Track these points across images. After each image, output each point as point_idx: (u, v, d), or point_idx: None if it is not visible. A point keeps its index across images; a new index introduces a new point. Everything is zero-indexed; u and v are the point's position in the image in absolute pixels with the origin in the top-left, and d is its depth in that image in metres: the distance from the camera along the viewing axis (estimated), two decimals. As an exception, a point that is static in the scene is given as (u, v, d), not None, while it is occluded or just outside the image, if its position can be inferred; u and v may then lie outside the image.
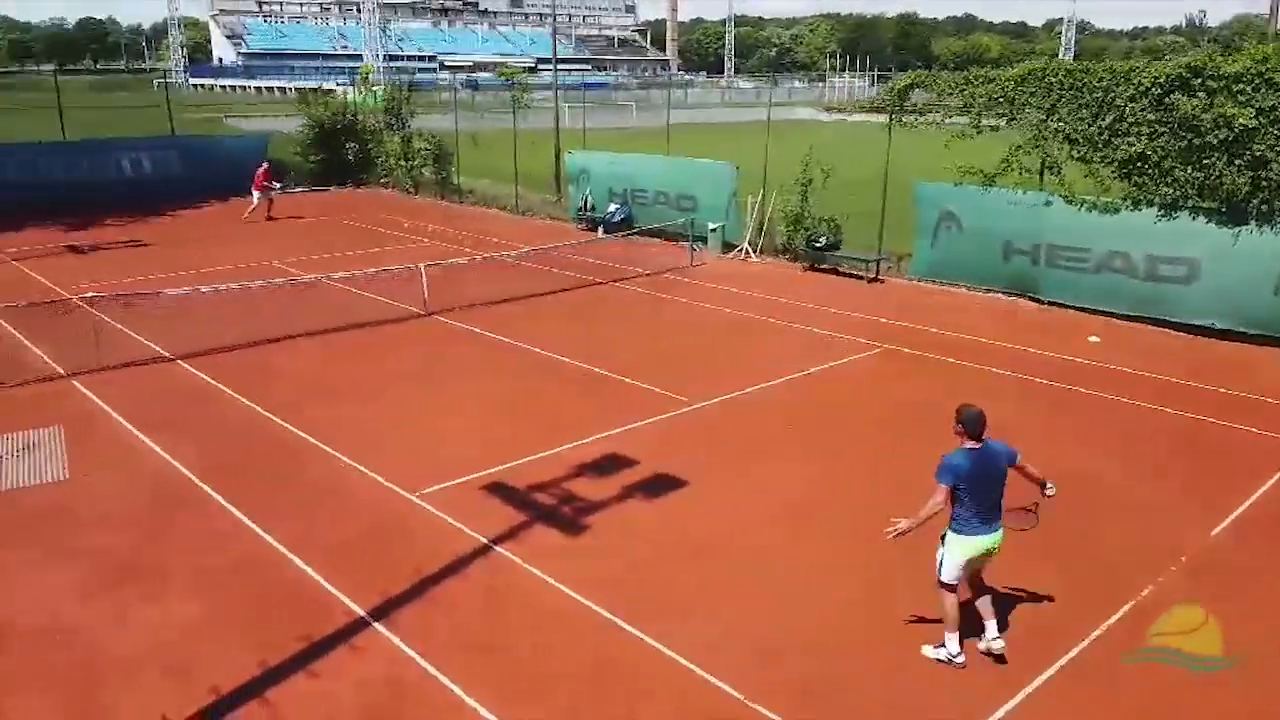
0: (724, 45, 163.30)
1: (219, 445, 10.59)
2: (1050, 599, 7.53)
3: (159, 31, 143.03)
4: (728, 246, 21.75)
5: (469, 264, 18.77)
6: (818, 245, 19.89)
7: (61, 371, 12.95)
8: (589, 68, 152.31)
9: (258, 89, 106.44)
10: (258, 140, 31.34)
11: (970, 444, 6.56)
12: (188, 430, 10.98)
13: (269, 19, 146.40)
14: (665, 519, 9.01)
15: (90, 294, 14.74)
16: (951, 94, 17.40)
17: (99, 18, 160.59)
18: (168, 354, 13.76)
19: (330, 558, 8.19)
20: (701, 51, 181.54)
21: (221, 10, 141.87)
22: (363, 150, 32.07)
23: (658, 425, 11.34)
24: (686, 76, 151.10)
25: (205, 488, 9.51)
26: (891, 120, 18.67)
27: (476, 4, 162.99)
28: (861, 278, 19.15)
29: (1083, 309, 16.02)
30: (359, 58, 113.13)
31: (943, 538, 6.72)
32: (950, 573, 6.65)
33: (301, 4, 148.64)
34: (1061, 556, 8.13)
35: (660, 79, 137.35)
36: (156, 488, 9.52)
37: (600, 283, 18.79)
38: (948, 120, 17.68)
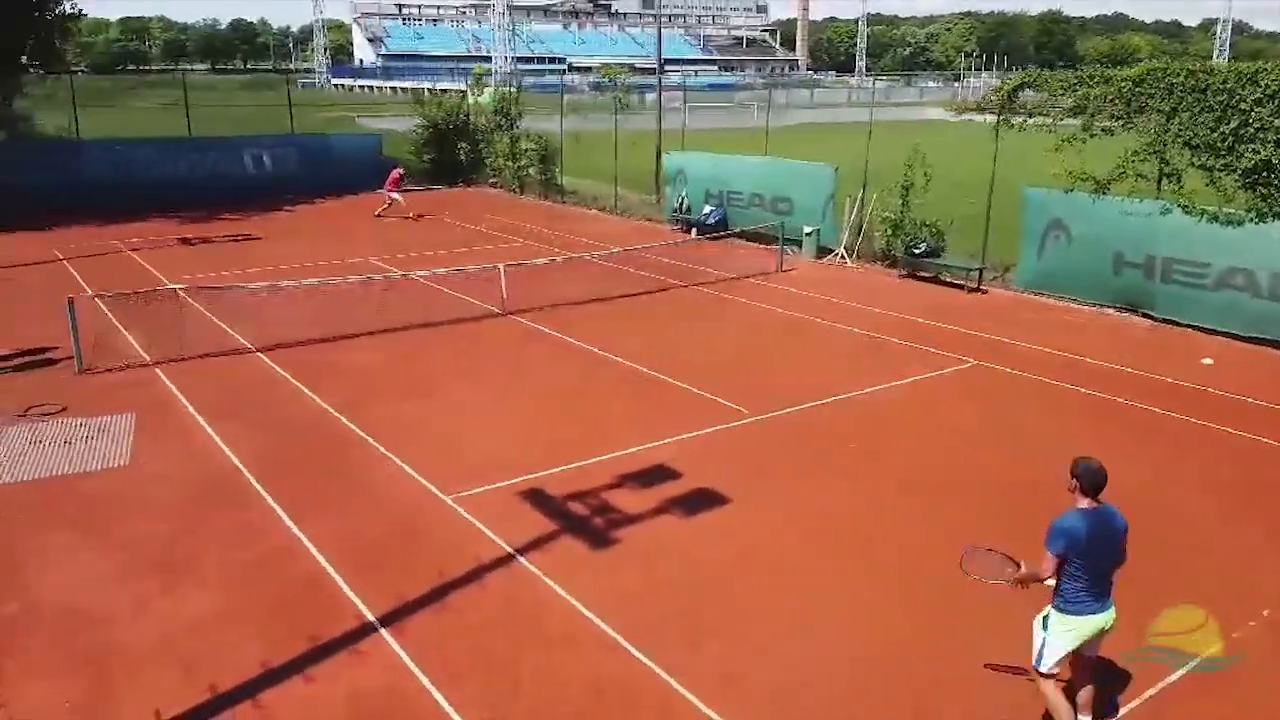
0: (855, 44, 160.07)
1: (276, 439, 10.74)
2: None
3: (307, 34, 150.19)
4: (824, 251, 21.03)
5: (553, 264, 18.71)
6: (916, 252, 19.00)
7: (147, 359, 13.46)
8: (715, 68, 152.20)
9: (392, 89, 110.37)
10: (371, 139, 32.33)
11: (1086, 503, 5.57)
12: (250, 422, 11.19)
13: (407, 22, 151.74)
14: (699, 538, 8.60)
15: (182, 286, 15.31)
16: (1064, 94, 16.27)
17: (250, 19, 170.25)
18: (250, 346, 14.14)
19: (354, 557, 8.13)
20: (832, 51, 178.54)
21: (363, 13, 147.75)
22: (473, 150, 32.58)
23: (711, 436, 10.92)
24: (815, 76, 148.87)
25: (252, 480, 9.63)
26: (1000, 121, 17.61)
27: (608, 6, 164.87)
28: (962, 287, 18.16)
29: (1199, 328, 14.73)
30: (491, 59, 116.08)
31: (1044, 619, 5.74)
32: (1052, 660, 5.68)
33: (439, 7, 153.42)
34: (1136, 602, 7.34)
35: (785, 79, 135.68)
36: (207, 479, 9.70)
37: (681, 286, 18.43)
38: (1060, 122, 16.54)
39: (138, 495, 9.32)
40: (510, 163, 30.98)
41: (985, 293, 17.98)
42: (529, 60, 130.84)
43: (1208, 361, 13.50)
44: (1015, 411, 11.80)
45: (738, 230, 22.46)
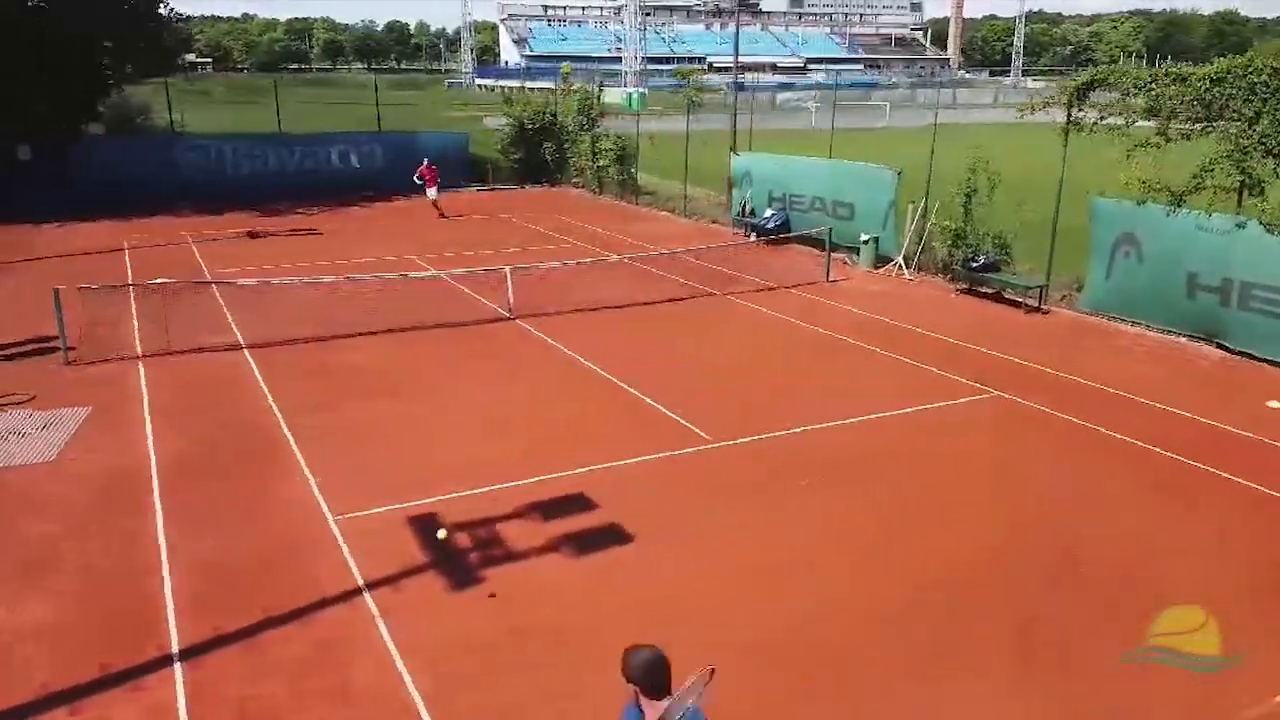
0: (1012, 43, 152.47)
1: (205, 443, 10.44)
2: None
3: (459, 35, 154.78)
4: (883, 261, 19.52)
5: (581, 267, 18.00)
6: (974, 265, 17.31)
7: (137, 352, 13.52)
8: (860, 67, 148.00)
9: (531, 89, 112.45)
10: (458, 137, 32.46)
11: (648, 703, 4.00)
12: (190, 424, 10.96)
13: (552, 23, 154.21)
14: (581, 581, 7.71)
15: (169, 280, 15.41)
16: (1137, 94, 14.34)
17: (406, 21, 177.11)
18: (241, 342, 14.03)
19: (200, 580, 7.64)
20: (987, 50, 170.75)
21: (510, 15, 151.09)
22: (558, 150, 32.26)
23: (655, 463, 9.96)
24: (967, 75, 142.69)
25: (156, 487, 9.32)
26: (1069, 124, 15.75)
27: (756, 5, 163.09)
28: (1021, 306, 16.39)
29: (1276, 364, 12.65)
30: (651, 59, 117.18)
31: None
32: None
33: (583, 8, 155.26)
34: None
35: (933, 78, 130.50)
36: (116, 481, 9.44)
37: (713, 294, 17.37)
38: (1135, 124, 14.61)
39: (43, 494, 9.16)
40: (591, 163, 30.48)
41: (1047, 313, 16.15)
42: (669, 60, 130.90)
43: (1275, 405, 11.52)
44: (1021, 456, 10.28)
45: (798, 235, 21.15)
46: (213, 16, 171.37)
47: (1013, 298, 16.75)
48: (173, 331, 14.10)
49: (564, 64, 40.14)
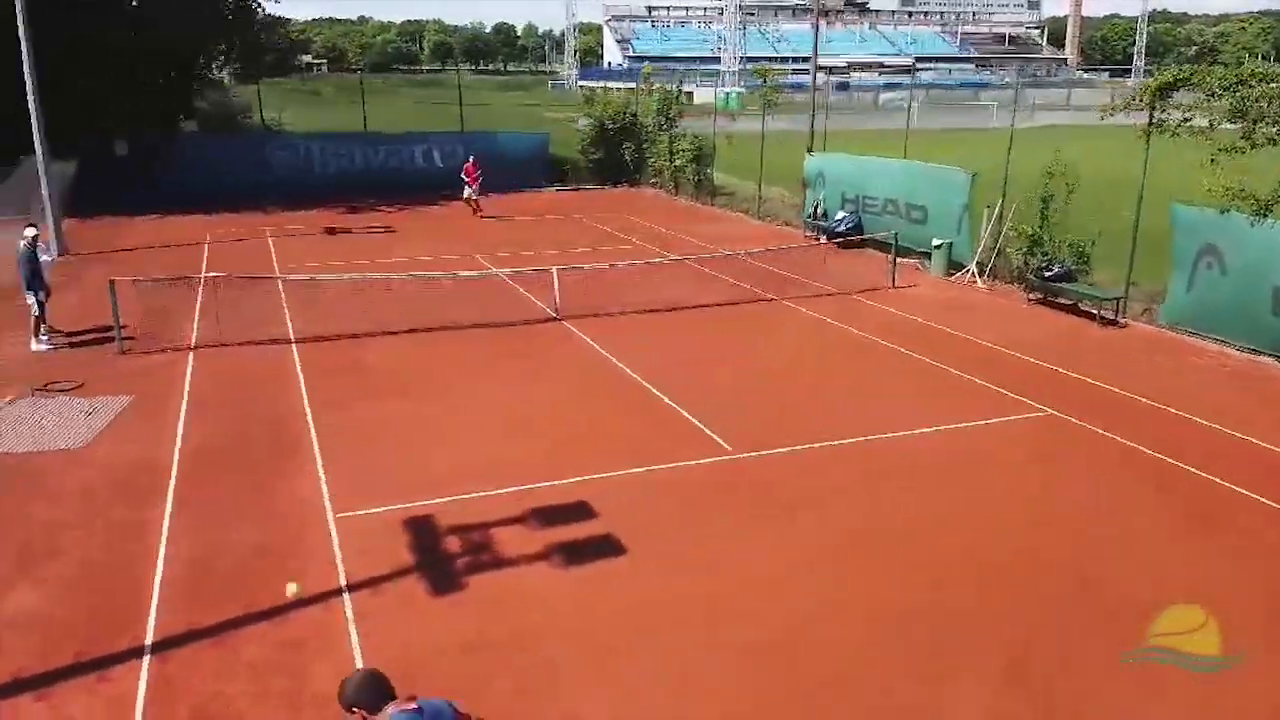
0: (1134, 42, 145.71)
1: (230, 434, 10.63)
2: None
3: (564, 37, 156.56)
4: (957, 267, 18.71)
5: (650, 267, 17.82)
6: (1048, 274, 16.40)
7: (190, 344, 13.91)
8: (971, 67, 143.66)
9: (616, 89, 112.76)
10: (539, 137, 32.63)
11: (401, 709, 3.85)
12: (221, 416, 11.17)
13: (656, 24, 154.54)
14: (567, 592, 7.50)
15: (222, 274, 15.78)
16: (1222, 95, 13.31)
17: (511, 23, 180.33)
18: (290, 337, 14.28)
19: (191, 575, 7.71)
20: (1108, 50, 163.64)
21: (614, 16, 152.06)
22: (638, 150, 32.11)
23: (668, 473, 9.67)
24: (1085, 76, 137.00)
25: (172, 479, 9.49)
26: (1150, 126, 14.74)
27: (865, 4, 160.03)
28: (1097, 317, 15.45)
29: (1371, 391, 11.56)
30: (751, 58, 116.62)
31: None
32: None
33: (687, 8, 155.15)
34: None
35: (1049, 79, 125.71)
36: (135, 472, 9.64)
37: (770, 298, 16.91)
38: (1220, 126, 13.58)
39: (62, 481, 9.43)
40: (668, 163, 30.24)
41: (1123, 326, 15.17)
42: (772, 60, 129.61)
43: (1363, 436, 10.50)
44: (1065, 482, 9.60)
45: (870, 239, 20.47)
46: (330, 19, 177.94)
47: (1089, 309, 15.80)
48: (229, 324, 14.48)
49: (645, 65, 39.91)
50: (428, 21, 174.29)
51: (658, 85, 31.37)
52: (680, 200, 29.83)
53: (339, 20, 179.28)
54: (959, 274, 18.51)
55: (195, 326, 14.74)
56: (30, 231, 13.35)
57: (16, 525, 8.53)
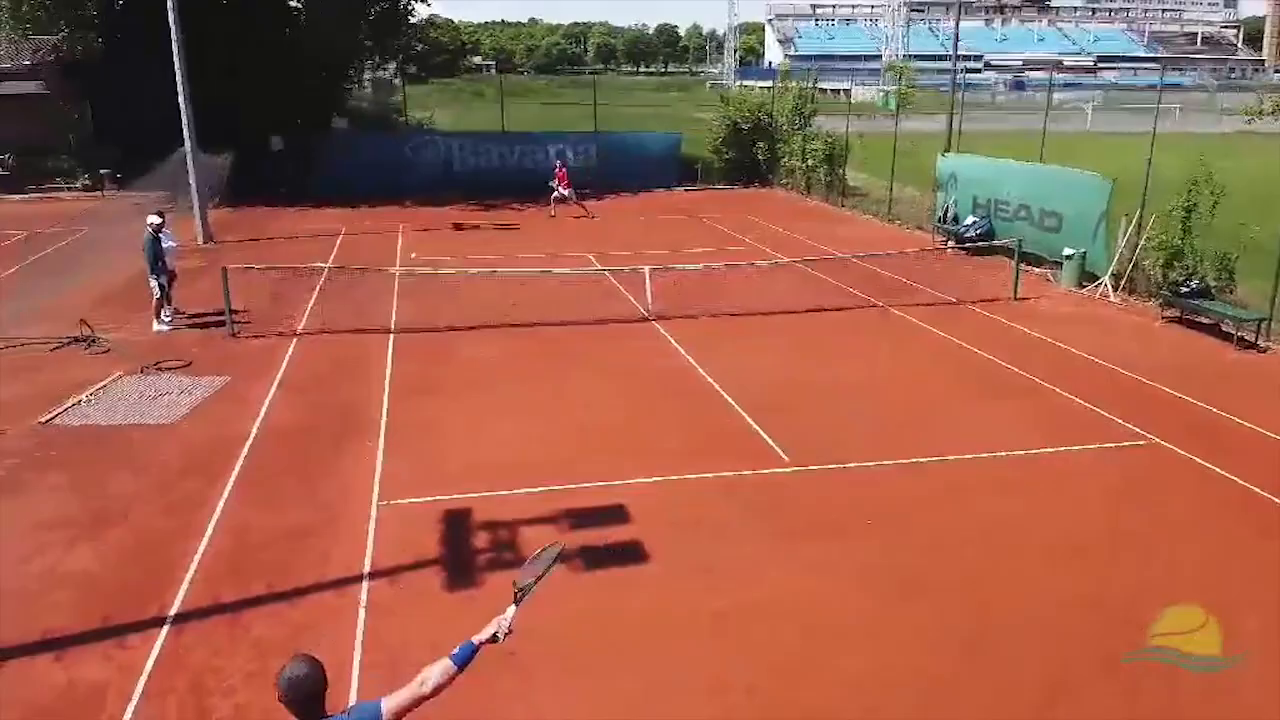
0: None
1: (307, 418, 11.03)
2: None
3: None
4: (1091, 279, 17.41)
5: (756, 270, 17.44)
6: (1182, 291, 15.01)
7: (296, 330, 14.54)
8: (1157, 67, 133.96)
9: (763, 87, 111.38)
10: (671, 137, 32.54)
11: None
12: (305, 400, 11.62)
13: (820, 22, 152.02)
14: (578, 596, 7.33)
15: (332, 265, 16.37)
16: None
17: (674, 24, 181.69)
18: (391, 327, 14.72)
19: (229, 548, 8.03)
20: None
21: (776, 15, 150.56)
22: (770, 149, 31.57)
23: (714, 481, 9.38)
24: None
25: (242, 455, 9.91)
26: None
27: (1044, 1, 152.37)
28: (1234, 339, 14.02)
29: None
30: (913, 56, 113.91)
31: None
32: None
33: (853, 6, 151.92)
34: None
35: (1246, 81, 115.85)
36: (212, 448, 10.13)
37: (878, 305, 16.20)
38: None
39: (146, 453, 10.01)
40: (801, 163, 29.59)
41: (1263, 351, 13.70)
42: (942, 58, 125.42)
43: None
44: (1148, 520, 8.72)
45: (1000, 246, 19.34)
46: (502, 21, 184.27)
47: (1229, 330, 14.35)
48: (337, 312, 15.12)
49: (783, 61, 39.13)
50: (594, 24, 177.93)
51: (794, 83, 30.73)
52: (810, 201, 29.14)
53: (510, 23, 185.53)
54: (1091, 286, 17.21)
55: (306, 314, 15.41)
56: (153, 219, 14.27)
57: (96, 492, 9.10)
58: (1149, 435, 10.51)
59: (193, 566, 7.70)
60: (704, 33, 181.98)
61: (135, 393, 11.73)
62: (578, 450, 10.09)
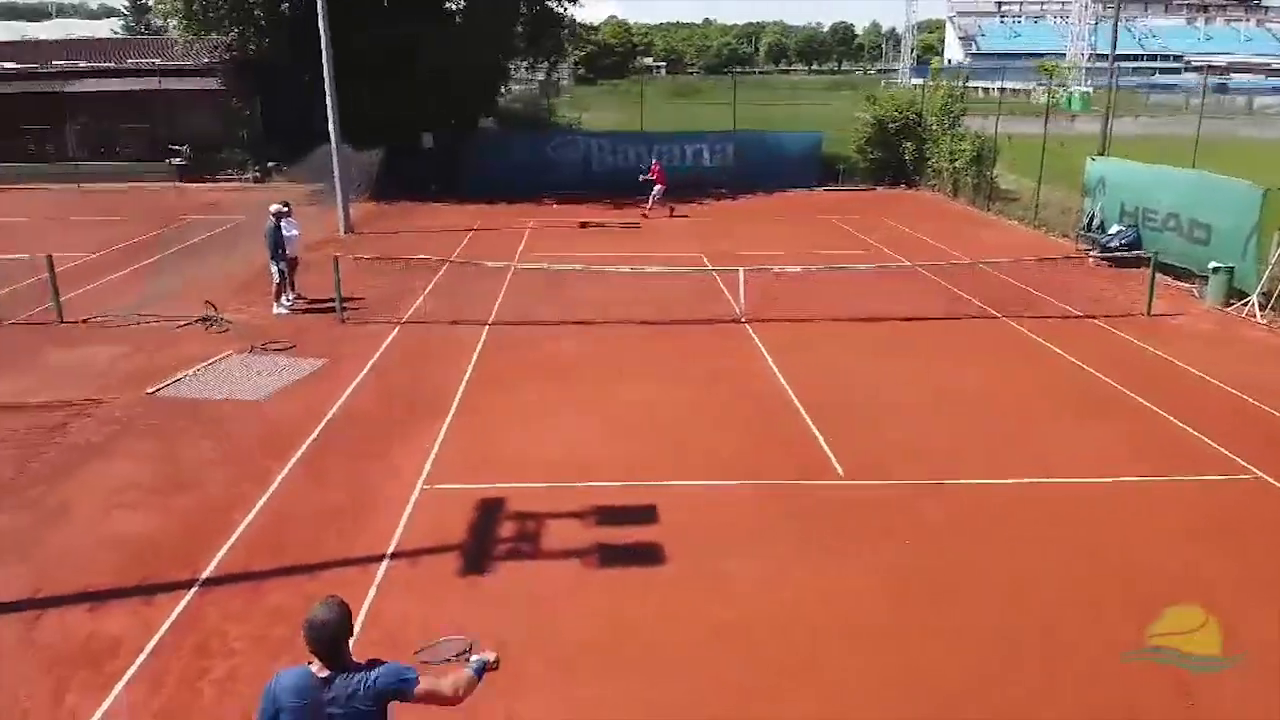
0: None
1: (385, 400, 11.50)
2: None
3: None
4: (1239, 296, 15.86)
5: (870, 274, 16.86)
6: (1340, 312, 13.45)
7: (401, 318, 15.14)
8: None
9: (969, 89, 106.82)
10: (812, 136, 31.85)
11: (316, 665, 3.86)
12: (388, 384, 12.12)
13: (1005, 19, 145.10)
14: (575, 598, 7.34)
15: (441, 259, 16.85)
16: None
17: (849, 22, 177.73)
18: (490, 319, 15.09)
19: (271, 520, 8.48)
20: None
21: (959, 12, 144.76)
22: (918, 150, 30.39)
23: (756, 488, 9.16)
24: None
25: (315, 433, 10.42)
26: None
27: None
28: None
29: None
30: (1102, 56, 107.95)
31: None
32: None
33: (1041, 3, 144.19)
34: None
35: None
36: (291, 423, 10.69)
37: (995, 316, 15.30)
38: None
39: (232, 426, 10.69)
40: (948, 163, 28.34)
41: None
42: (1137, 57, 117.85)
43: None
44: (1227, 563, 7.85)
45: (1145, 257, 17.86)
46: (677, 22, 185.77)
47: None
48: (444, 304, 15.67)
49: (935, 59, 37.54)
50: (768, 23, 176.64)
51: (944, 81, 29.46)
52: (955, 204, 27.85)
53: (684, 24, 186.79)
54: (1237, 304, 15.67)
55: (417, 304, 16.03)
56: (276, 207, 15.21)
57: (177, 460, 9.80)
58: (1254, 470, 9.48)
59: (235, 535, 8.17)
60: (883, 31, 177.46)
61: (238, 370, 12.54)
62: (628, 450, 10.05)
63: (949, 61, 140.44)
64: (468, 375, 12.40)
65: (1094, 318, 15.31)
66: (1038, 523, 8.52)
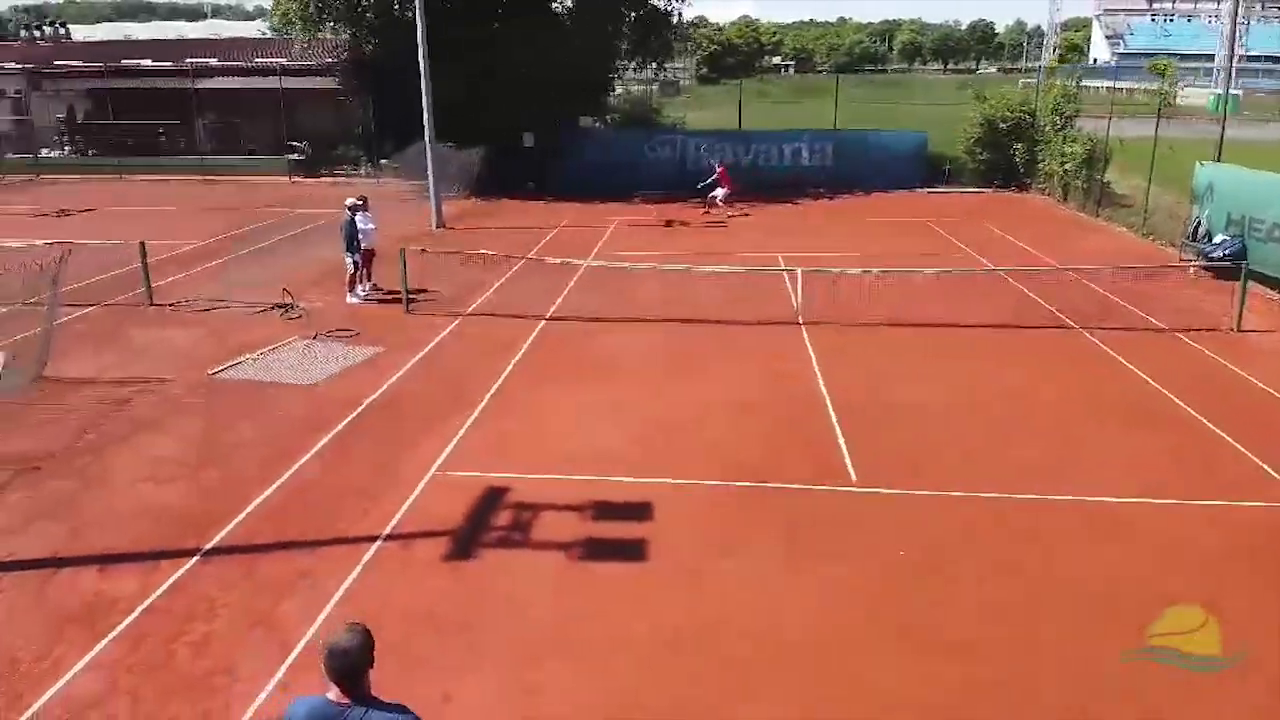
0: None
1: (425, 388, 11.88)
2: None
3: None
4: (1348, 313, 14.66)
5: (946, 279, 16.22)
6: None
7: (465, 311, 15.54)
8: None
9: (1109, 88, 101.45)
10: (915, 136, 30.93)
11: (334, 694, 3.78)
12: (432, 373, 12.52)
13: (1156, 18, 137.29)
14: (551, 590, 7.45)
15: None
16: None
17: (988, 20, 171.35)
18: (547, 314, 15.35)
19: (287, 497, 8.91)
20: None
21: (1106, 10, 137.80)
22: (1029, 151, 29.12)
23: (760, 492, 9.05)
24: None
25: (349, 417, 10.86)
26: None
27: None
28: None
29: None
30: (1253, 58, 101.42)
31: None
32: None
33: (1196, 2, 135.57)
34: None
35: None
36: (332, 407, 11.16)
37: (1071, 327, 14.58)
38: None
39: (278, 407, 11.25)
40: (1058, 166, 27.07)
41: None
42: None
43: None
44: (1257, 599, 7.32)
45: (1252, 269, 16.65)
46: (810, 21, 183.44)
47: None
48: (510, 298, 16.03)
49: (1051, 58, 35.79)
50: (904, 21, 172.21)
51: (1058, 82, 28.15)
52: (1063, 209, 26.58)
53: (818, 23, 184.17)
54: (1346, 320, 14.47)
55: (483, 298, 16.43)
56: (352, 201, 15.87)
57: (220, 437, 10.40)
58: (1315, 499, 8.77)
59: (246, 510, 8.62)
60: (1026, 29, 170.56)
61: (297, 355, 13.17)
62: (645, 447, 10.08)
63: (1093, 61, 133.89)
64: (510, 367, 12.66)
65: (1176, 331, 14.41)
66: (1048, 541, 8.12)
